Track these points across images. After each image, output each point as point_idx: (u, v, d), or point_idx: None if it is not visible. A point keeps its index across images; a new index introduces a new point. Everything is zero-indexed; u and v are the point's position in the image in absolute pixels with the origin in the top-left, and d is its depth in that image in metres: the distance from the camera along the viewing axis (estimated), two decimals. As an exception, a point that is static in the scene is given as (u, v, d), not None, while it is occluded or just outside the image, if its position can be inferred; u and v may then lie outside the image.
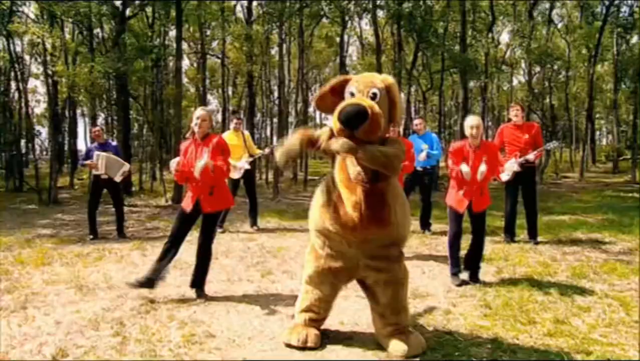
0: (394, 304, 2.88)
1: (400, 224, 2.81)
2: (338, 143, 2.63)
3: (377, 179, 2.71)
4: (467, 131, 4.23)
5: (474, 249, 4.33)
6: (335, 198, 2.76)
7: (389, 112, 2.76)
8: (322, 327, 3.10)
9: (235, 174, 6.75)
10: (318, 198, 2.91)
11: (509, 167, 5.85)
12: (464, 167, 4.15)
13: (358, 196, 2.67)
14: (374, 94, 2.70)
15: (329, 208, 2.77)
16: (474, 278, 4.28)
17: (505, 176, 5.92)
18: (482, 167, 4.12)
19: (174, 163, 3.93)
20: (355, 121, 2.54)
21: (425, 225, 6.94)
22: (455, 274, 4.32)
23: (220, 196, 3.99)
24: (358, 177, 2.67)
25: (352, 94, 2.73)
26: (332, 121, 2.66)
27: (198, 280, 4.01)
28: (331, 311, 3.13)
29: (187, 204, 3.95)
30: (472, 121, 4.22)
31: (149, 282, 3.87)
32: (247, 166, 6.95)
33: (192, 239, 4.22)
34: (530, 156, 5.78)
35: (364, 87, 2.72)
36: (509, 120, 6.20)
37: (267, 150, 7.69)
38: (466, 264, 4.34)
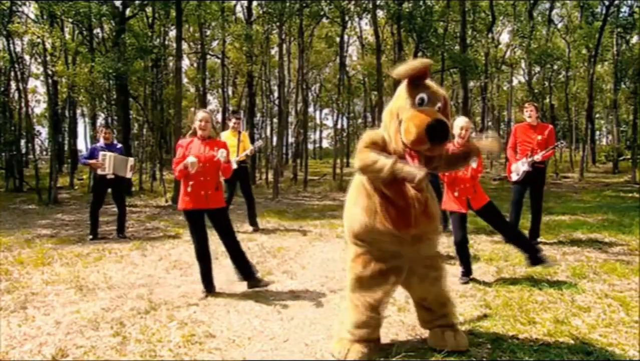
0: (440, 298, 2.91)
1: (439, 215, 2.87)
2: (415, 173, 2.50)
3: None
4: (456, 131, 4.26)
5: (510, 233, 4.46)
6: (380, 198, 2.70)
7: None
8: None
9: None
10: (357, 201, 2.79)
11: (520, 167, 5.85)
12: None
13: (412, 192, 2.68)
14: (439, 108, 2.63)
15: (377, 210, 2.70)
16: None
17: (515, 176, 5.92)
18: (473, 164, 4.20)
19: (191, 160, 3.87)
20: (441, 139, 2.47)
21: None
22: (465, 274, 4.39)
23: (221, 193, 4.10)
24: (423, 180, 2.58)
25: (423, 100, 2.60)
26: (411, 130, 2.48)
27: (248, 273, 4.13)
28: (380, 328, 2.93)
29: (195, 203, 3.94)
30: (461, 122, 4.24)
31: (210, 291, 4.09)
32: (235, 166, 6.92)
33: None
34: (539, 156, 5.77)
35: (436, 96, 2.64)
36: (522, 120, 6.17)
37: (249, 150, 7.36)
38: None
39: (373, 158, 2.58)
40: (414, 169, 2.50)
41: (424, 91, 2.63)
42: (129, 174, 6.78)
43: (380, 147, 2.69)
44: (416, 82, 2.65)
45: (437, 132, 2.44)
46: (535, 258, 4.24)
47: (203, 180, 3.94)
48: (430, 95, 2.61)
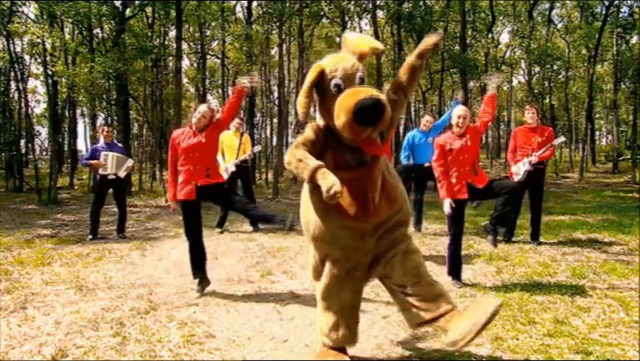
0: (422, 276, 2.53)
1: (403, 199, 2.62)
2: (330, 186, 2.17)
3: (374, 158, 2.48)
4: (454, 120, 4.26)
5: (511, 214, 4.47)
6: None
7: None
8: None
9: (223, 175, 6.77)
10: (310, 201, 2.55)
11: (521, 167, 5.86)
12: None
13: (369, 179, 2.45)
14: (361, 78, 2.38)
15: (330, 205, 2.39)
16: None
17: (517, 177, 5.93)
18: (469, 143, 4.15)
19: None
20: (375, 117, 2.20)
21: (419, 223, 6.91)
22: (456, 278, 4.23)
23: (216, 172, 4.10)
24: (362, 160, 2.44)
25: (339, 87, 2.34)
26: (340, 122, 2.26)
27: (262, 217, 4.18)
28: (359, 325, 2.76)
29: (188, 193, 3.94)
30: (458, 111, 4.26)
31: (202, 283, 4.09)
32: (233, 168, 6.92)
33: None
34: (539, 153, 5.79)
35: (348, 75, 2.36)
36: (523, 122, 6.18)
37: (247, 154, 7.34)
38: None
39: (299, 157, 2.35)
40: (329, 182, 2.17)
41: (333, 78, 2.37)
42: (122, 173, 6.73)
43: (322, 141, 2.48)
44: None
45: (365, 111, 2.18)
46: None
47: (192, 170, 3.94)
48: (342, 76, 2.35)
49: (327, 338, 2.67)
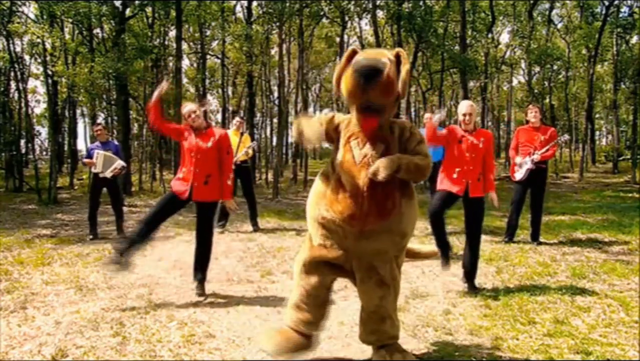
0: (379, 310, 2.57)
1: (404, 218, 2.50)
2: (380, 165, 2.34)
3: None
4: (460, 118, 4.11)
5: (468, 254, 4.05)
6: (334, 182, 2.51)
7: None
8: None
9: None
10: (316, 184, 2.65)
11: (523, 165, 5.86)
12: (436, 115, 4.03)
13: (362, 181, 2.42)
14: (383, 64, 2.42)
15: (325, 193, 2.52)
16: (472, 287, 4.05)
17: (519, 175, 5.93)
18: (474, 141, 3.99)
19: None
20: (371, 75, 2.28)
21: None
22: (444, 256, 4.07)
23: (213, 187, 3.98)
24: (364, 160, 2.45)
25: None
26: (343, 81, 2.41)
27: (199, 275, 4.00)
28: (324, 319, 2.76)
29: (182, 190, 3.90)
30: (464, 108, 4.09)
31: (121, 257, 3.81)
32: (232, 167, 6.90)
33: (191, 239, 4.22)
34: (542, 151, 5.78)
35: (373, 56, 2.45)
36: (526, 122, 6.18)
37: (244, 151, 7.36)
38: (464, 273, 4.11)
39: (305, 122, 2.54)
40: (311, 125, 2.48)
41: (359, 57, 2.48)
42: (108, 174, 6.64)
43: (337, 130, 2.60)
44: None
45: (362, 66, 2.30)
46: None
47: (193, 170, 3.91)
48: (366, 57, 2.44)
49: (289, 318, 2.71)
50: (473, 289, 4.03)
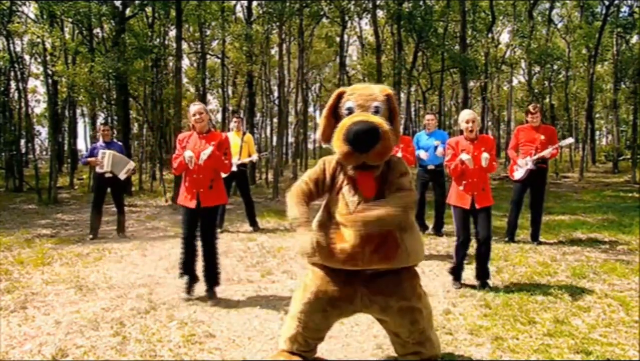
0: (415, 336, 2.41)
1: (410, 253, 2.36)
2: (302, 244, 2.24)
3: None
4: (463, 126, 4.15)
5: (479, 258, 4.16)
6: (332, 232, 2.36)
7: (391, 124, 2.36)
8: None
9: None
10: (322, 209, 2.53)
11: (523, 165, 5.85)
12: (464, 155, 4.04)
13: (356, 229, 2.26)
14: (376, 108, 2.34)
15: (324, 245, 2.33)
16: (483, 285, 4.16)
17: (518, 175, 5.92)
18: (485, 155, 4.01)
19: (188, 155, 3.87)
20: (367, 142, 2.17)
21: (439, 228, 6.72)
22: (456, 279, 4.25)
23: (218, 190, 4.01)
24: (357, 209, 2.30)
25: (351, 110, 2.35)
26: (335, 144, 2.27)
27: (212, 280, 4.00)
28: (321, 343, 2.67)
29: (188, 200, 3.92)
30: (467, 115, 4.13)
31: (191, 283, 4.04)
32: (234, 168, 6.91)
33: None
34: (546, 152, 5.77)
35: (363, 101, 2.34)
36: (526, 121, 6.17)
37: (255, 157, 7.45)
38: (477, 273, 4.21)
39: (295, 200, 2.38)
40: (303, 242, 2.23)
41: (348, 100, 2.39)
42: (122, 176, 6.67)
43: (330, 178, 2.44)
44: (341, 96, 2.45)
45: (356, 134, 2.17)
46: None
47: (196, 178, 3.90)
48: (357, 101, 2.35)
49: (283, 343, 2.61)
50: (484, 287, 4.14)
